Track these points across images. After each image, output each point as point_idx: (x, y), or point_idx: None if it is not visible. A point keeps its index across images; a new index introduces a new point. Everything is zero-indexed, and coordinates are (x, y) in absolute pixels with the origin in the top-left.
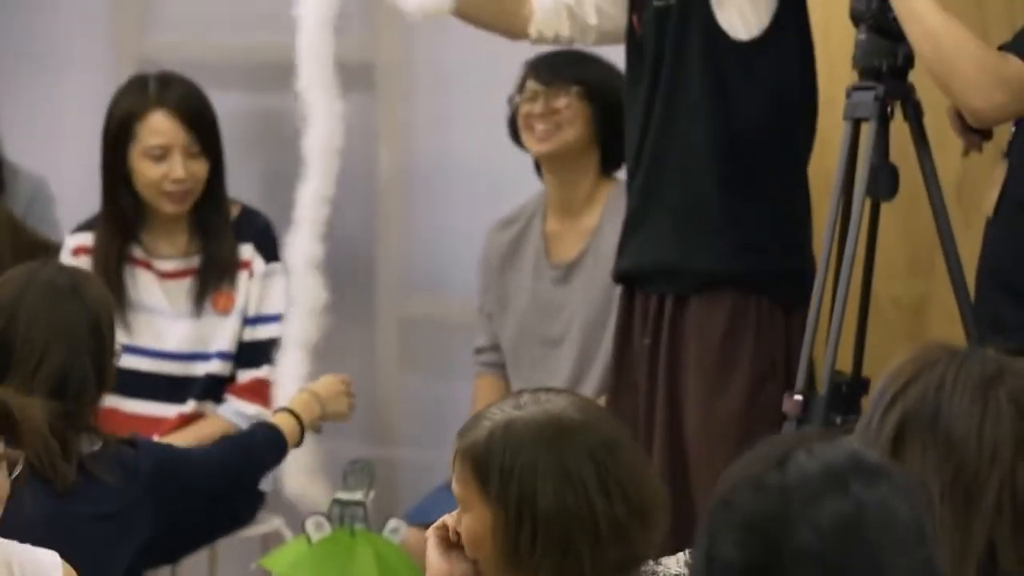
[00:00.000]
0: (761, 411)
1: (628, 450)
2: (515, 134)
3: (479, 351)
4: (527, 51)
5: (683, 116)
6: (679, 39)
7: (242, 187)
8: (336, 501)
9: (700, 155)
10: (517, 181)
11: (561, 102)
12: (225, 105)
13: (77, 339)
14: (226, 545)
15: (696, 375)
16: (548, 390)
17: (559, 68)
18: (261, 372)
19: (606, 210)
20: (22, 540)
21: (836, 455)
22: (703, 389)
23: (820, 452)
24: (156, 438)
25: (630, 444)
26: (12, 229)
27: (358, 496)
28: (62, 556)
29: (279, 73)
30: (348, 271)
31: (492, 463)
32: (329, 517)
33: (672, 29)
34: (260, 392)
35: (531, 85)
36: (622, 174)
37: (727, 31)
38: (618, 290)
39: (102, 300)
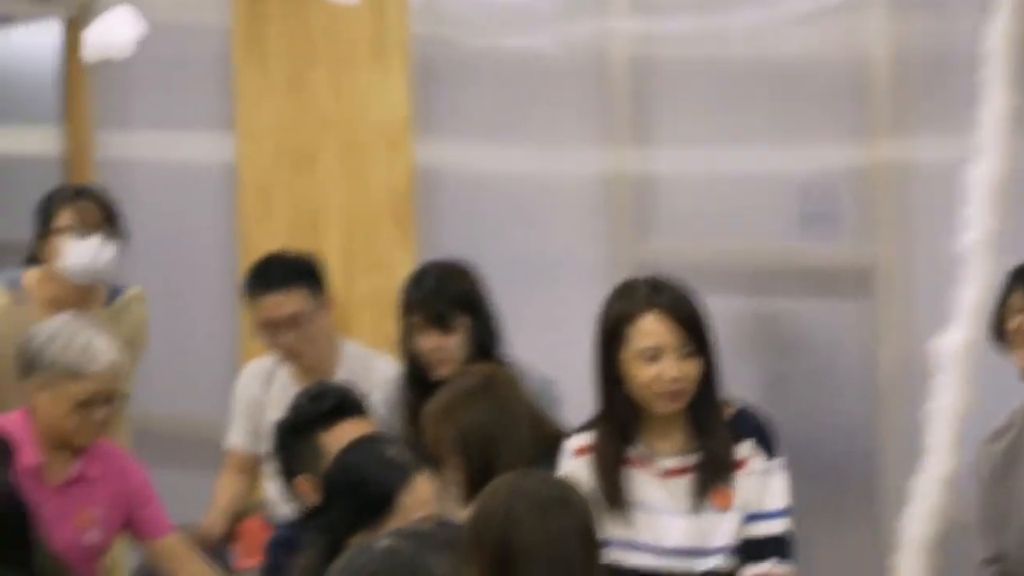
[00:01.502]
0: None
1: None
2: (996, 334)
3: (984, 563)
4: None
5: None
6: None
7: (742, 389)
8: None
9: None
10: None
11: None
12: (724, 308)
13: (569, 549)
14: None
15: None
16: None
17: None
18: (765, 566)
19: None
20: None
21: None
22: None
23: None
24: None
25: None
26: (533, 418)
27: None
28: None
29: (776, 277)
30: (847, 469)
31: None
32: None
33: None
34: None
35: (1019, 301)
36: None
37: None
38: None
39: (587, 508)
